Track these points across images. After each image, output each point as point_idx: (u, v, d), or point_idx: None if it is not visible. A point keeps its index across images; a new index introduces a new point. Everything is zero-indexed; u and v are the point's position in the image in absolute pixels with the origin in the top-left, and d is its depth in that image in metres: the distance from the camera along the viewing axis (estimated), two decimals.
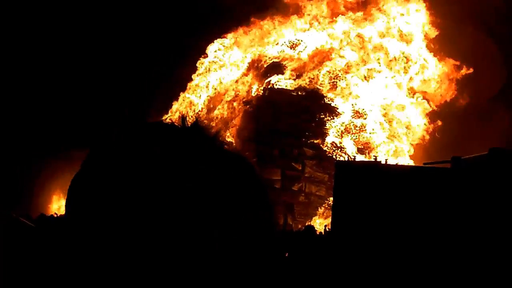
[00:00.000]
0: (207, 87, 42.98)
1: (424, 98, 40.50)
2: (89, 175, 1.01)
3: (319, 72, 40.15)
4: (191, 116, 40.61)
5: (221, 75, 43.08)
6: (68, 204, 1.07)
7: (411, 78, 40.54)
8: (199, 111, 41.88)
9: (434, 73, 40.57)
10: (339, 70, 40.11)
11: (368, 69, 40.20)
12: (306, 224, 27.95)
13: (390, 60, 40.48)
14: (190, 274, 0.96)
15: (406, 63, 40.64)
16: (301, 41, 42.08)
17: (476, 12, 37.71)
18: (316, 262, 10.10)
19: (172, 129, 1.06)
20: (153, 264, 0.95)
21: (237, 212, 1.04)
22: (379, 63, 40.38)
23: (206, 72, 43.29)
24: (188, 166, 1.01)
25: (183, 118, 1.07)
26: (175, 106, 42.53)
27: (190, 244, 0.98)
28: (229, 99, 41.44)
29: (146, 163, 0.98)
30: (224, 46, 43.49)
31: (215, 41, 43.26)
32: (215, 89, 42.81)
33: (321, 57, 40.81)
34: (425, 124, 39.93)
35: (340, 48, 40.85)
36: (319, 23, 42.35)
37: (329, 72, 40.07)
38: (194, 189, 1.01)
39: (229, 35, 43.49)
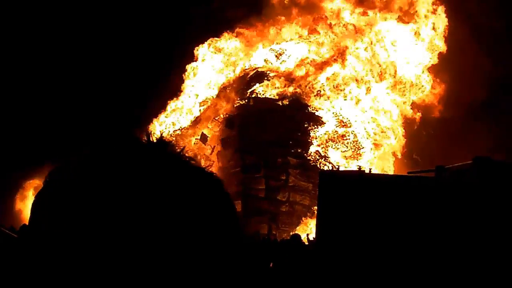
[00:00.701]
0: (192, 95, 42.87)
1: (411, 108, 40.74)
2: (50, 193, 0.99)
3: (304, 82, 40.26)
4: (167, 131, 40.66)
5: (207, 82, 43.01)
6: (30, 223, 1.03)
7: (399, 89, 40.70)
8: (179, 128, 41.68)
9: (425, 88, 40.78)
10: (326, 79, 40.23)
11: (354, 79, 40.31)
12: (291, 233, 27.97)
13: (380, 72, 40.63)
14: None
15: (396, 75, 40.79)
16: (285, 50, 42.18)
17: (478, 31, 38.24)
18: (302, 271, 10.04)
19: (137, 145, 1.04)
20: (115, 281, 0.93)
21: (198, 228, 1.01)
22: (368, 74, 40.51)
23: (193, 78, 43.20)
24: (149, 182, 0.99)
25: (148, 133, 1.05)
26: (163, 115, 42.43)
27: (151, 261, 0.95)
28: (214, 108, 41.34)
29: (107, 179, 0.96)
30: (212, 51, 43.41)
31: (204, 44, 43.17)
32: (198, 95, 42.72)
33: (308, 66, 40.90)
34: (408, 133, 40.14)
35: (328, 58, 40.94)
36: (305, 35, 42.45)
37: (315, 82, 40.18)
38: (155, 205, 0.98)
39: (217, 41, 43.40)
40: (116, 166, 0.98)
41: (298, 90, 39.93)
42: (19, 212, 37.46)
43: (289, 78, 40.62)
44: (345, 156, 38.62)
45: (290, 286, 9.88)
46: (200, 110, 41.90)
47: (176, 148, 1.06)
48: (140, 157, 1.00)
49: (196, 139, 39.40)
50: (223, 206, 1.04)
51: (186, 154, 1.06)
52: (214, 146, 38.75)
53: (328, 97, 39.84)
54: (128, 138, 1.04)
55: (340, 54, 40.58)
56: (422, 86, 40.75)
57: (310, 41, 41.89)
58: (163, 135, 1.07)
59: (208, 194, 1.02)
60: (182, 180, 1.00)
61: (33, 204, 1.01)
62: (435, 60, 40.94)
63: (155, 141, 1.05)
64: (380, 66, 40.67)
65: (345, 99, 39.75)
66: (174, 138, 39.68)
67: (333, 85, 40.01)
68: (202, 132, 39.37)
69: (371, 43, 41.01)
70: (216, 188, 1.04)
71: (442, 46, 40.96)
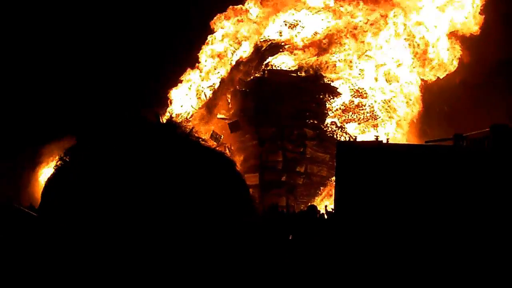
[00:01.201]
0: (208, 69, 42.69)
1: (427, 79, 40.27)
2: (63, 176, 1.00)
3: (321, 53, 39.99)
4: (182, 109, 40.64)
5: (224, 54, 42.72)
6: (41, 209, 1.04)
7: (419, 58, 40.05)
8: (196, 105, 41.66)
9: (446, 59, 40.08)
10: (342, 50, 39.93)
11: (372, 49, 39.94)
12: (309, 204, 27.98)
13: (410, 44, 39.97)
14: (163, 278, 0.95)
15: (420, 47, 40.08)
16: (299, 21, 41.78)
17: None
18: (321, 243, 10.09)
19: (146, 126, 1.05)
20: (129, 267, 0.95)
21: (212, 210, 1.01)
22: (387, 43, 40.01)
23: (210, 50, 42.87)
24: (159, 165, 1.00)
25: (157, 114, 1.06)
26: (183, 84, 42.28)
27: (163, 245, 0.97)
28: (231, 81, 41.14)
29: (116, 164, 0.98)
30: (231, 22, 42.99)
31: (222, 15, 42.73)
32: (216, 68, 42.53)
33: (324, 38, 40.55)
34: (425, 102, 39.83)
35: (345, 30, 40.47)
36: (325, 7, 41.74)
37: (332, 53, 39.91)
38: (165, 187, 0.99)
39: (236, 11, 42.92)
40: (126, 149, 0.99)
41: (314, 61, 39.70)
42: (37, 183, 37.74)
43: (305, 50, 40.34)
44: (362, 126, 38.51)
45: (309, 258, 9.95)
46: (211, 90, 41.66)
47: (186, 128, 1.06)
48: (150, 139, 1.01)
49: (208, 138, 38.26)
50: (234, 187, 1.03)
51: (196, 135, 1.06)
52: (229, 145, 38.16)
53: (345, 67, 39.54)
54: (138, 119, 1.05)
55: (359, 26, 40.09)
56: (450, 62, 39.88)
57: (331, 11, 41.22)
58: (173, 115, 1.08)
59: (218, 175, 1.02)
60: (191, 161, 1.00)
61: (43, 190, 1.02)
62: (465, 30, 40.14)
63: (164, 122, 1.06)
64: (410, 40, 39.88)
65: (361, 72, 39.43)
66: (187, 117, 39.72)
67: (352, 56, 39.66)
68: (213, 131, 38.64)
69: (404, 14, 40.11)
70: (227, 169, 1.04)
71: (475, 18, 40.16)
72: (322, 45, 40.23)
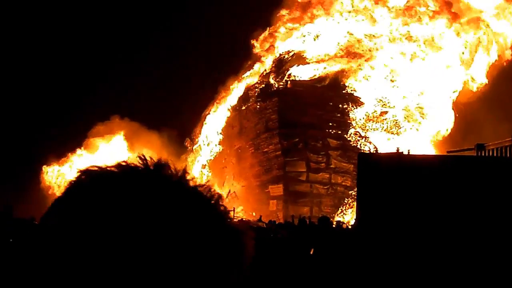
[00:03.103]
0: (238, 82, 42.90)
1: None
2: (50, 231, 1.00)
3: (343, 62, 39.92)
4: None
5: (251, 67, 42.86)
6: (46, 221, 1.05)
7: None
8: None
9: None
10: (365, 60, 39.83)
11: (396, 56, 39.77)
12: (321, 215, 27.80)
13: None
14: None
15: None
16: (320, 34, 41.67)
17: None
18: (340, 256, 10.04)
19: (130, 173, 1.05)
20: None
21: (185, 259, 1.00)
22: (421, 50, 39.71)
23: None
24: (143, 213, 1.00)
25: (143, 159, 1.06)
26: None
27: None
28: (255, 93, 41.23)
29: (100, 213, 0.98)
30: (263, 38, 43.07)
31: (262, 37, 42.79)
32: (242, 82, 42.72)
33: (345, 48, 40.46)
34: (450, 110, 39.51)
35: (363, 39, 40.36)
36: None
37: (355, 61, 39.83)
38: (148, 236, 0.98)
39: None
40: (107, 201, 0.99)
41: (336, 71, 39.62)
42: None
43: (328, 59, 40.29)
44: (385, 136, 38.33)
45: (330, 273, 9.89)
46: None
47: (174, 169, 1.05)
48: (130, 183, 1.00)
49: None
50: (210, 232, 1.01)
51: (186, 175, 1.04)
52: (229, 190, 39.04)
53: (368, 77, 39.42)
54: (124, 165, 1.04)
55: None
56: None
57: (357, 16, 40.99)
58: (161, 158, 1.07)
59: (200, 219, 1.00)
60: (168, 205, 0.99)
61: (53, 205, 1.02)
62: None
63: (150, 164, 1.05)
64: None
65: (385, 80, 39.27)
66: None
67: (375, 64, 39.55)
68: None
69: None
70: (207, 214, 1.02)
71: None
72: (346, 54, 40.15)
